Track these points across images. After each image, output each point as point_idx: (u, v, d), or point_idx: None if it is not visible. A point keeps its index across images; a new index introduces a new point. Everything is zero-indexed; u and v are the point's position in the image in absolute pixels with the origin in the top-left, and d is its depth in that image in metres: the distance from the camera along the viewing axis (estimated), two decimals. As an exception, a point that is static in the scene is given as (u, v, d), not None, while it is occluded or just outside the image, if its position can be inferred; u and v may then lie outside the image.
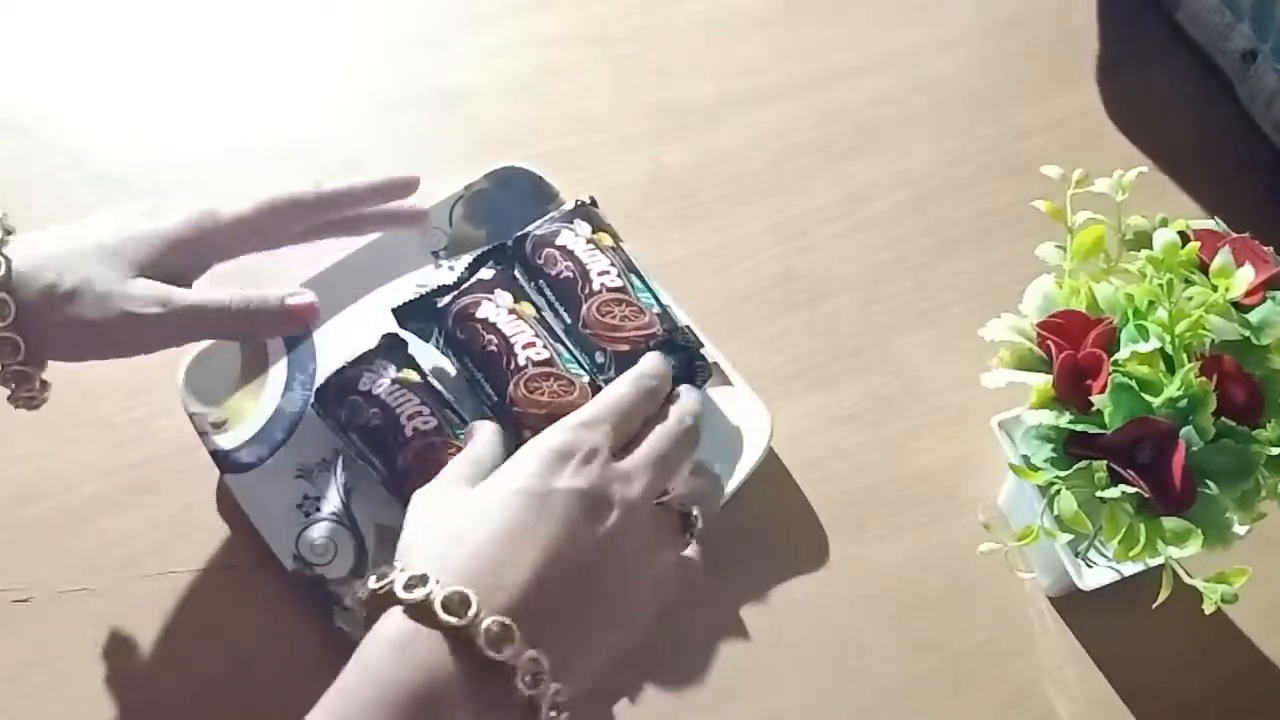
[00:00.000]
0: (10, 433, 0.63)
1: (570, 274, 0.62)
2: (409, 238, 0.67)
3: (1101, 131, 0.78)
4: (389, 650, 0.40)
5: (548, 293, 0.63)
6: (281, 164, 0.73)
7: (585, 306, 0.61)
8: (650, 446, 0.50)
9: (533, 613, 0.42)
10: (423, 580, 0.41)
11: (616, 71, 0.79)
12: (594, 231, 0.64)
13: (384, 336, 0.62)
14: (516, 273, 0.64)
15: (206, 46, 0.78)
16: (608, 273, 0.62)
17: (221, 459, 0.60)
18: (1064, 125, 0.78)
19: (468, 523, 0.45)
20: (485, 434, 0.52)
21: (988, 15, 0.83)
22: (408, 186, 0.61)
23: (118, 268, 0.51)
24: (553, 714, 0.41)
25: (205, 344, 0.62)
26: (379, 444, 0.58)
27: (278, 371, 0.64)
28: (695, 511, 0.50)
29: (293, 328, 0.56)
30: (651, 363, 0.55)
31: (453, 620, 0.40)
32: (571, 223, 0.64)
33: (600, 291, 0.61)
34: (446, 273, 0.67)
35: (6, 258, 0.49)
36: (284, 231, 0.57)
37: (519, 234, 0.64)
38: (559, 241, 0.63)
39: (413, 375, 0.60)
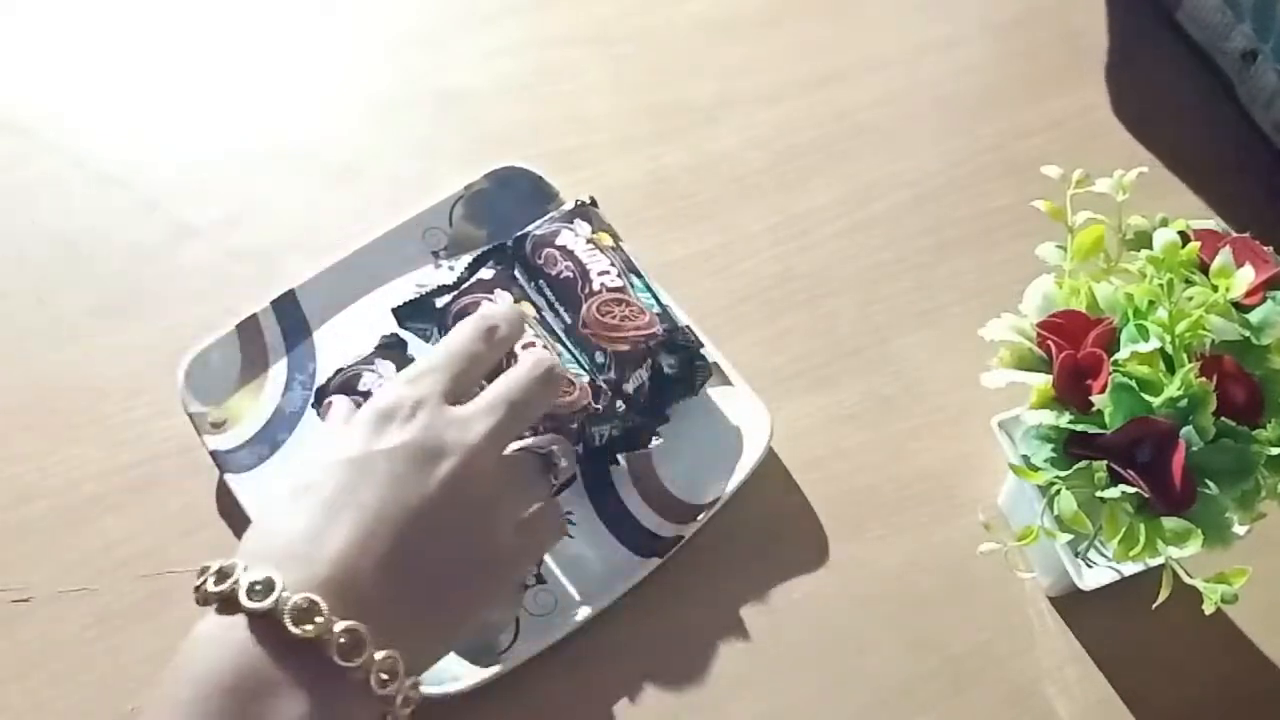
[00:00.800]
0: (10, 433, 0.63)
1: (570, 274, 0.62)
2: (409, 238, 0.67)
3: (1102, 131, 0.78)
4: (197, 649, 0.40)
5: (548, 293, 0.63)
6: (281, 164, 0.73)
7: (585, 306, 0.61)
8: (495, 389, 0.48)
9: (351, 583, 0.41)
10: (229, 572, 0.40)
11: (616, 71, 0.79)
12: (594, 231, 0.64)
13: (384, 336, 0.62)
14: (516, 273, 0.64)
15: (206, 46, 0.78)
16: (607, 272, 0.62)
17: (221, 459, 0.60)
18: (1064, 125, 0.78)
19: (285, 505, 0.43)
20: None
21: (988, 15, 0.83)
22: None
23: None
24: (384, 678, 0.40)
25: (205, 344, 0.62)
26: None
27: (278, 371, 0.64)
28: (557, 452, 0.48)
29: None
30: (497, 305, 0.52)
31: (256, 605, 0.39)
32: (571, 223, 0.64)
33: (600, 291, 0.61)
34: (446, 273, 0.67)
35: None
36: None
37: (519, 234, 0.65)
38: (559, 241, 0.63)
39: None
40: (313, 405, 0.61)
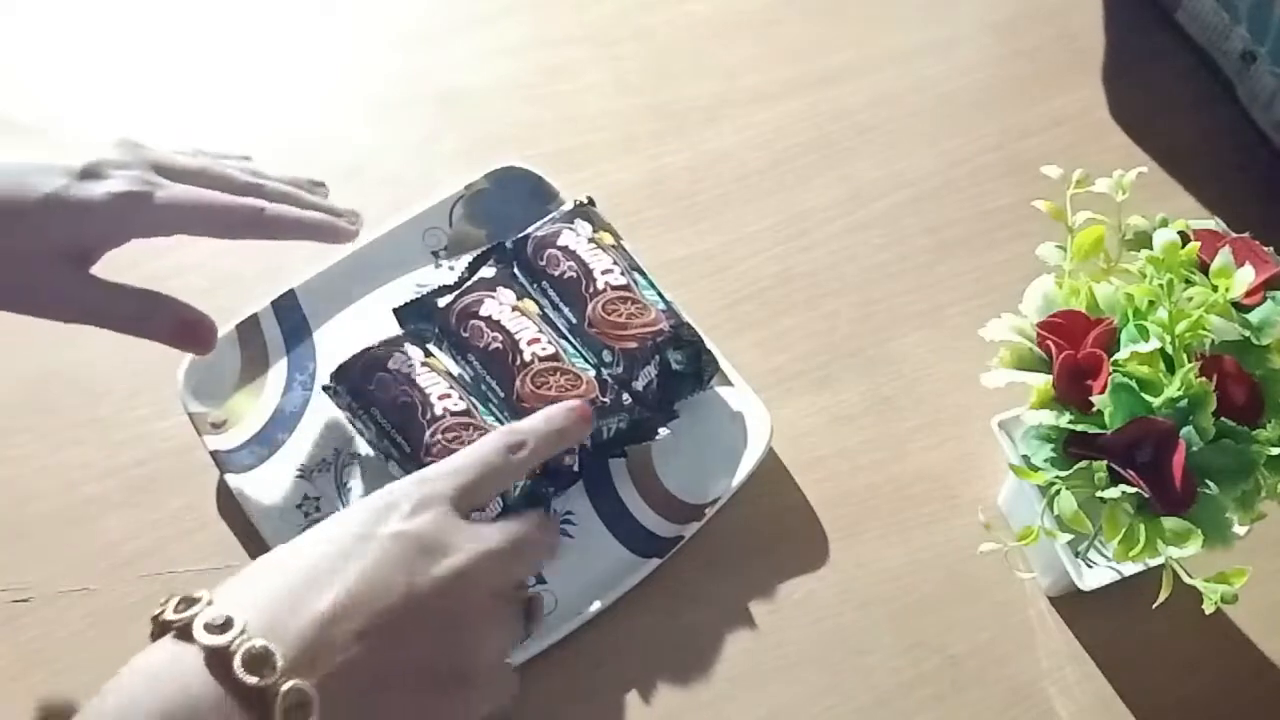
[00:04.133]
0: (10, 433, 0.63)
1: (574, 273, 0.62)
2: (409, 238, 0.67)
3: (1101, 131, 0.78)
4: (145, 673, 0.38)
5: (551, 293, 0.63)
6: (282, 164, 0.73)
7: (590, 305, 0.61)
8: (511, 526, 0.46)
9: (313, 647, 0.39)
10: (193, 603, 0.39)
11: (616, 71, 0.79)
12: (595, 231, 0.64)
13: (408, 325, 0.62)
14: (517, 272, 0.64)
15: (206, 46, 0.78)
16: (611, 271, 0.62)
17: (221, 459, 0.60)
18: (1064, 125, 0.78)
19: (273, 560, 0.42)
20: None
21: (988, 15, 0.83)
22: (346, 236, 0.57)
23: (34, 232, 0.48)
24: None
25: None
26: (406, 421, 0.58)
27: (277, 371, 0.64)
28: (535, 604, 0.46)
29: (186, 345, 0.52)
30: (530, 420, 0.50)
31: (212, 640, 0.38)
32: (572, 223, 0.64)
33: (605, 290, 0.61)
34: (446, 272, 0.67)
35: None
36: (209, 230, 0.53)
37: (518, 236, 0.65)
38: (560, 242, 0.63)
39: (439, 363, 0.60)
40: (325, 386, 0.61)
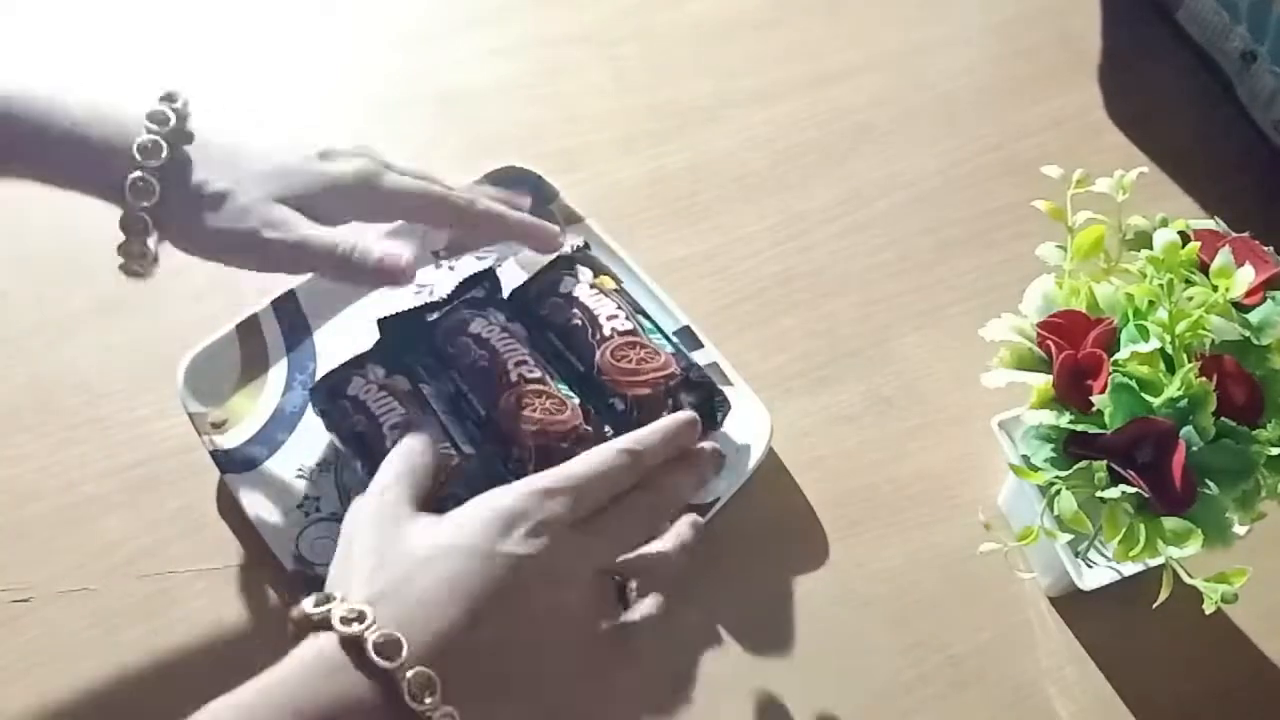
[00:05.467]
0: (10, 433, 0.63)
1: (579, 321, 0.62)
2: (409, 238, 0.67)
3: (1101, 131, 0.78)
4: (311, 673, 0.40)
5: (557, 342, 0.62)
6: (281, 164, 0.73)
7: (598, 352, 0.61)
8: (629, 538, 0.48)
9: (456, 671, 0.41)
10: (360, 617, 0.41)
11: (616, 71, 0.79)
12: (595, 276, 0.64)
13: (377, 341, 0.62)
14: (503, 316, 0.63)
15: (207, 46, 0.78)
16: (616, 316, 0.61)
17: (221, 459, 0.60)
18: (1064, 125, 0.78)
19: (410, 564, 0.43)
20: (419, 444, 0.50)
21: (988, 15, 0.83)
22: (553, 243, 0.60)
23: (267, 189, 0.53)
24: None
25: (205, 344, 0.62)
26: (363, 450, 0.58)
27: (278, 371, 0.64)
28: (633, 585, 0.48)
29: (384, 283, 0.55)
30: (645, 432, 0.49)
31: (383, 663, 0.40)
32: (571, 269, 0.64)
33: (612, 336, 0.61)
34: (447, 272, 0.67)
35: (170, 144, 0.52)
36: (425, 216, 0.58)
37: (516, 287, 0.64)
38: (563, 289, 0.63)
39: (401, 383, 0.60)
40: (311, 403, 0.61)
